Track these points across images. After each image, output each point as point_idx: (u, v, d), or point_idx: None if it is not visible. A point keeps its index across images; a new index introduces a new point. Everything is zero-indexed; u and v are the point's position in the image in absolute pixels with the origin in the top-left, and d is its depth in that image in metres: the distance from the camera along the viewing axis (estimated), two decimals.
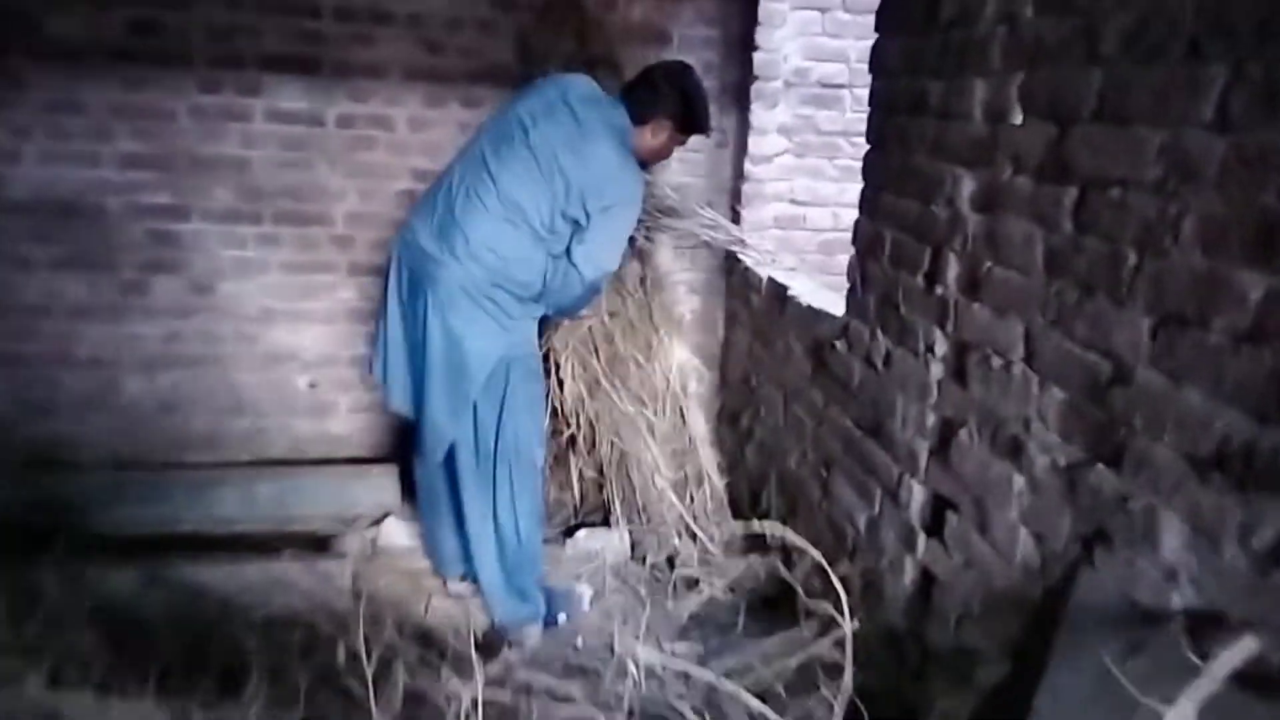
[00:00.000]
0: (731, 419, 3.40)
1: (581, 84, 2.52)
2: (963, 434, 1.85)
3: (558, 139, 2.39)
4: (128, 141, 3.04)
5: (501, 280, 2.38)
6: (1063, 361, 1.55)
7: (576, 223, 2.40)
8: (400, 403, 2.57)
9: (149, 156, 3.07)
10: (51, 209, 3.02)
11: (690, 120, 2.58)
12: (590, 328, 3.13)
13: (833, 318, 2.51)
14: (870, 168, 2.28)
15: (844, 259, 3.50)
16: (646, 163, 2.62)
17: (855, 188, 3.47)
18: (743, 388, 3.31)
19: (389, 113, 3.18)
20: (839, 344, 2.44)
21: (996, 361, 1.74)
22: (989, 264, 1.77)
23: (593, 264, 2.45)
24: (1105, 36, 1.43)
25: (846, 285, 2.47)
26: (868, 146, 2.30)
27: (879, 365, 2.22)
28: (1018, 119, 1.68)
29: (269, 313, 3.26)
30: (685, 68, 2.63)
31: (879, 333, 2.23)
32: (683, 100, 2.54)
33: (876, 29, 2.20)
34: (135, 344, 3.18)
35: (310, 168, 3.17)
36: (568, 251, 2.43)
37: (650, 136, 2.55)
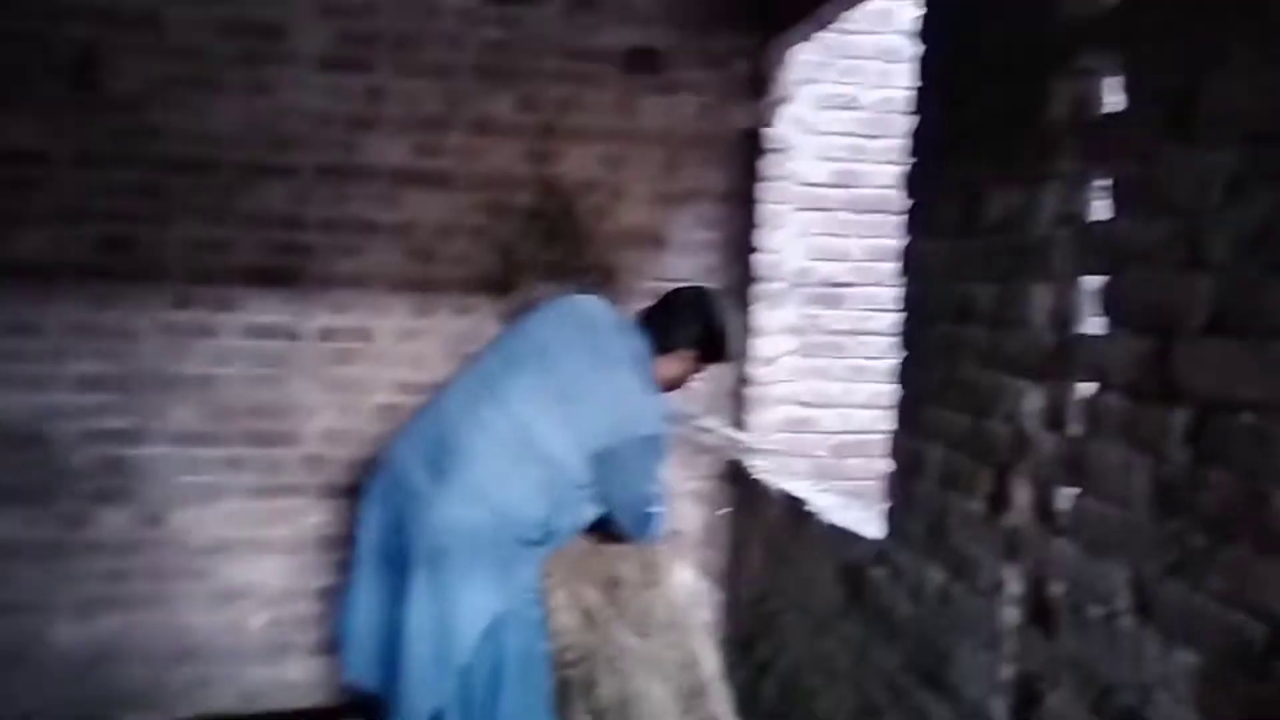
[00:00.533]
0: (744, 647, 3.04)
1: (599, 309, 2.38)
2: (1053, 697, 1.54)
3: (578, 365, 2.20)
4: (86, 362, 2.79)
5: (505, 522, 2.10)
6: (1192, 618, 1.27)
7: (599, 460, 2.17)
8: (359, 672, 2.21)
9: (107, 377, 2.81)
10: None
11: (715, 351, 2.43)
12: (584, 549, 2.83)
13: (866, 540, 2.23)
14: (907, 377, 2.07)
15: (858, 463, 3.32)
16: (665, 390, 2.43)
17: (865, 388, 3.36)
18: (757, 611, 2.97)
19: (373, 324, 2.98)
20: (878, 572, 2.15)
21: (1094, 610, 1.46)
22: (1072, 492, 1.52)
23: (628, 507, 2.31)
24: (1212, 241, 1.24)
25: (873, 498, 2.22)
26: (902, 354, 2.09)
27: (932, 601, 1.92)
28: (1096, 328, 1.48)
29: (225, 544, 2.92)
30: (710, 295, 2.50)
31: (928, 562, 1.94)
32: (707, 331, 2.40)
33: (907, 230, 2.05)
34: (71, 585, 2.81)
35: (283, 384, 2.93)
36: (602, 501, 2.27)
37: (672, 366, 2.39)
